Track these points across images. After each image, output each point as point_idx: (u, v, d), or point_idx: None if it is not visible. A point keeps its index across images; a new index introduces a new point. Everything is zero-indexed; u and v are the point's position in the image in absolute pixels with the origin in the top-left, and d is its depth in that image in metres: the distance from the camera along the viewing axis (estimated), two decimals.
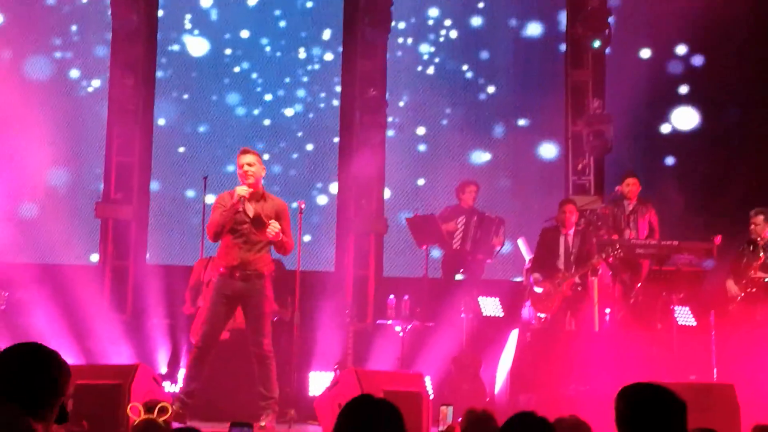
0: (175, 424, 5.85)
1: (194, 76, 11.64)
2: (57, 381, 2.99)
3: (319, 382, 8.94)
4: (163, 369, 9.31)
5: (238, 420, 5.06)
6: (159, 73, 11.47)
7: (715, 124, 12.15)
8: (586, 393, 7.82)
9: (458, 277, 10.52)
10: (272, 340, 7.47)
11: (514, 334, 9.07)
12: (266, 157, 11.38)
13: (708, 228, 10.04)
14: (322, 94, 11.80)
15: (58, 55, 11.43)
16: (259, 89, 11.73)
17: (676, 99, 12.28)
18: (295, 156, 11.64)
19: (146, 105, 11.19)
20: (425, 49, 12.06)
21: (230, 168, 7.49)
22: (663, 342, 8.84)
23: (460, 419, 4.87)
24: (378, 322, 9.87)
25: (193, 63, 11.64)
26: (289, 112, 11.73)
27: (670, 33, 11.91)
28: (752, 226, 9.20)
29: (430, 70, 12.03)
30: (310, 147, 11.70)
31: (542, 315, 9.27)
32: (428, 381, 8.19)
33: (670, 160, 12.22)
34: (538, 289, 9.25)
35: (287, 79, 11.75)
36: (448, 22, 12.10)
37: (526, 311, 9.53)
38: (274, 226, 7.19)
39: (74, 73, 11.43)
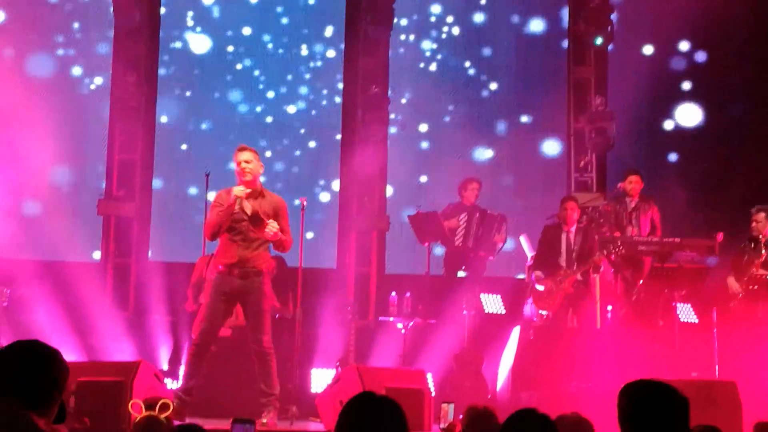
0: (175, 422, 5.85)
1: (197, 74, 11.64)
2: (57, 378, 3.00)
3: (320, 379, 8.94)
4: (165, 366, 9.31)
5: (240, 417, 5.07)
6: (161, 71, 11.47)
7: (717, 120, 12.14)
8: (588, 390, 7.81)
9: (460, 274, 10.51)
10: (274, 337, 7.47)
11: (516, 331, 9.07)
12: (268, 154, 11.44)
13: (710, 225, 10.03)
14: (325, 91, 11.80)
15: (60, 52, 11.43)
16: (261, 86, 11.73)
17: (678, 96, 12.26)
18: (297, 153, 11.64)
19: (149, 102, 11.18)
20: (427, 45, 12.05)
21: (232, 165, 7.47)
22: (665, 339, 8.84)
23: (461, 416, 4.88)
24: (380, 319, 9.86)
25: (196, 60, 11.65)
26: (291, 109, 11.73)
27: (672, 29, 11.89)
28: (753, 224, 9.19)
29: (433, 67, 12.03)
30: (312, 144, 11.70)
31: (544, 312, 9.27)
32: (430, 378, 8.18)
33: (672, 157, 12.21)
34: (540, 287, 9.24)
35: (289, 76, 11.75)
36: (450, 19, 12.09)
37: (528, 308, 9.53)
38: (272, 226, 7.17)
39: (76, 71, 11.43)
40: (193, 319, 8.65)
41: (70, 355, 8.74)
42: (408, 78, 11.89)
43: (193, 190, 11.16)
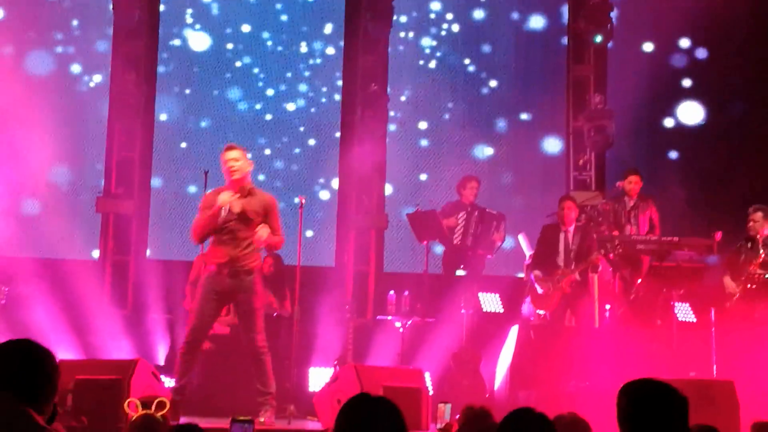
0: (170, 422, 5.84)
1: (196, 71, 11.62)
2: (51, 376, 3.00)
3: (318, 377, 8.93)
4: (162, 363, 9.31)
5: (238, 415, 5.06)
6: (160, 68, 11.46)
7: (717, 118, 12.12)
8: (586, 389, 7.82)
9: (459, 272, 10.50)
10: (272, 335, 7.48)
11: (514, 330, 9.06)
12: (268, 152, 11.44)
13: (710, 224, 10.01)
14: (324, 89, 11.78)
15: (59, 50, 11.40)
16: (260, 84, 11.71)
17: (678, 93, 12.24)
18: (297, 151, 11.63)
19: (148, 100, 11.17)
20: (427, 43, 12.03)
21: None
22: (663, 338, 8.83)
23: (457, 416, 4.87)
24: (378, 317, 9.86)
25: (195, 58, 11.62)
26: (290, 106, 11.70)
27: (672, 26, 11.86)
28: (750, 223, 9.16)
29: (432, 65, 12.00)
30: (312, 142, 11.68)
31: (541, 312, 9.26)
32: (428, 377, 8.18)
33: (672, 155, 12.19)
34: (540, 290, 9.23)
35: (289, 74, 11.73)
36: (449, 16, 12.07)
37: (526, 307, 9.52)
38: (261, 233, 7.14)
39: (75, 68, 11.41)
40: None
41: (68, 352, 8.76)
42: (407, 75, 11.87)
43: (192, 189, 11.15)
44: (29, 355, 3.00)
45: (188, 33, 11.63)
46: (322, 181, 11.59)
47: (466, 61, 12.06)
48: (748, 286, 8.94)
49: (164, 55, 11.51)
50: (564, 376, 8.24)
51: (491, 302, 9.82)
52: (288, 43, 11.78)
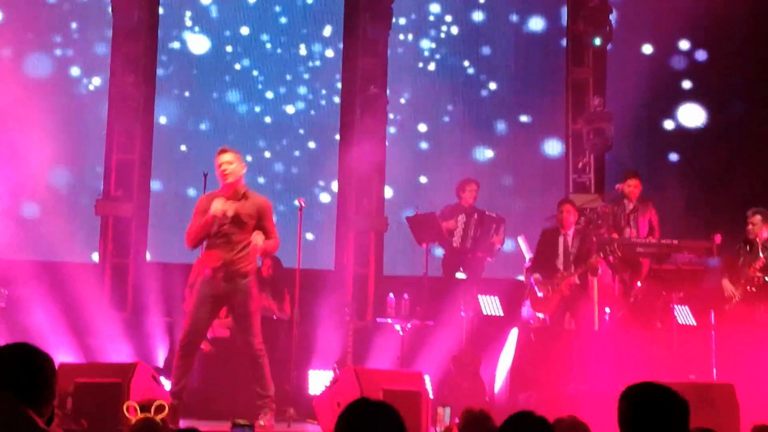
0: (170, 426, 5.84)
1: (195, 74, 11.62)
2: (49, 378, 3.01)
3: (318, 380, 8.93)
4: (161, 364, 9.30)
5: (238, 418, 5.06)
6: (160, 71, 11.45)
7: (717, 120, 12.11)
8: (586, 392, 7.80)
9: (459, 275, 10.49)
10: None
11: (513, 333, 9.06)
12: (268, 155, 11.43)
13: (710, 226, 10.00)
14: (323, 91, 11.77)
15: (58, 52, 11.40)
16: (260, 86, 11.70)
17: (678, 95, 12.24)
18: (297, 153, 11.62)
19: (147, 103, 11.17)
20: (426, 45, 12.03)
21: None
22: (662, 341, 8.83)
23: (457, 420, 4.87)
24: (378, 320, 9.84)
25: (194, 60, 11.62)
26: (290, 109, 11.70)
27: (672, 28, 11.86)
28: (749, 226, 9.16)
29: (431, 67, 12.00)
30: (312, 145, 11.68)
31: (541, 315, 9.26)
32: (428, 380, 8.16)
33: (672, 158, 12.19)
34: (540, 294, 9.23)
35: (288, 76, 11.73)
36: (448, 18, 12.06)
37: (526, 310, 9.51)
38: (257, 241, 7.12)
39: (75, 71, 11.40)
40: None
41: (67, 355, 8.75)
42: (407, 78, 11.86)
43: (191, 191, 11.13)
44: (27, 359, 3.01)
45: (187, 36, 11.62)
46: (321, 183, 11.59)
47: (466, 63, 12.06)
48: (748, 288, 8.94)
49: (163, 57, 11.51)
50: (564, 379, 8.24)
51: (491, 305, 9.81)
52: (287, 46, 11.77)
